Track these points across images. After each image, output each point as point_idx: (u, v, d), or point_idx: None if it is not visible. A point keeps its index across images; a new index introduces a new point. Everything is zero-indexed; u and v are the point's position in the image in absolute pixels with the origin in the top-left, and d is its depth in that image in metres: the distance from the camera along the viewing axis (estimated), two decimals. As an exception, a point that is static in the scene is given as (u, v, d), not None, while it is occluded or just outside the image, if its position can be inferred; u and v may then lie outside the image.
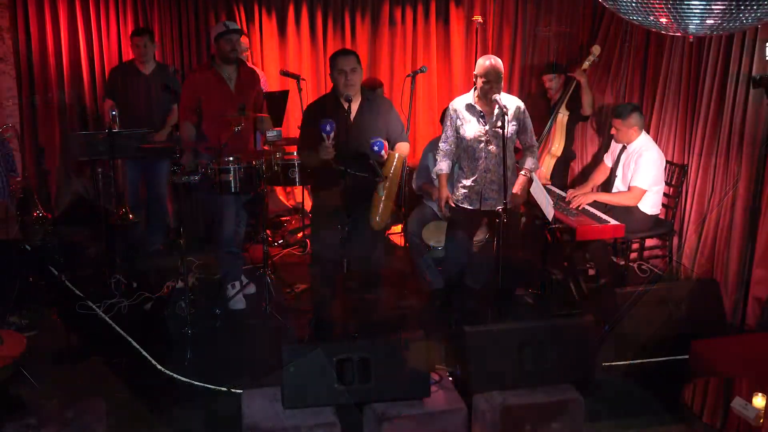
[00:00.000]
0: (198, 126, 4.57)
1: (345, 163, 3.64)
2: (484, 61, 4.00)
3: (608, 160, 5.00)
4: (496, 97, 3.92)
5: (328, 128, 3.64)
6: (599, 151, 5.99)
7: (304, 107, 4.13)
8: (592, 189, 4.99)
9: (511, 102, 4.10)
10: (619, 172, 4.82)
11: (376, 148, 3.65)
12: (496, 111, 4.02)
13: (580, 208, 4.59)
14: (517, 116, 4.11)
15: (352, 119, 3.73)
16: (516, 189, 4.08)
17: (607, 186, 4.96)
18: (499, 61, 4.00)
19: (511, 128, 4.07)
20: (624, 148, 4.78)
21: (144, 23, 5.69)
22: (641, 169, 4.61)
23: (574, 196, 4.75)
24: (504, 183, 3.87)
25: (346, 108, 3.67)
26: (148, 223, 5.53)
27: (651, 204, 4.69)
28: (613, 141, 4.93)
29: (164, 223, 5.69)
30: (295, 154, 4.29)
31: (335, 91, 3.84)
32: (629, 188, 4.68)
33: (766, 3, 2.23)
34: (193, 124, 4.54)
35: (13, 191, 4.70)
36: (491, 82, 3.96)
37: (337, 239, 3.78)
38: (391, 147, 3.92)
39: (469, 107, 4.10)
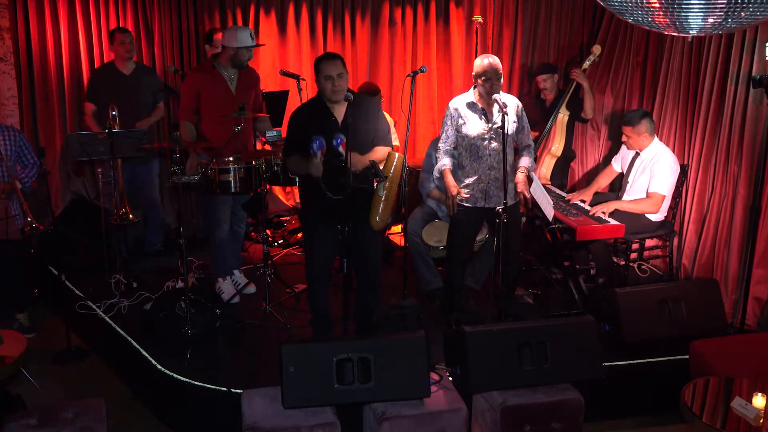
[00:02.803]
0: (197, 126, 4.58)
1: (342, 177, 3.56)
2: (483, 60, 4.00)
3: (617, 164, 4.93)
4: (496, 96, 3.93)
5: (315, 147, 3.52)
6: (600, 152, 5.99)
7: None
8: (598, 191, 4.96)
9: (510, 101, 4.11)
10: (631, 178, 4.75)
11: (335, 143, 3.53)
12: (496, 108, 4.03)
13: (605, 216, 4.54)
14: (517, 114, 4.13)
15: (339, 124, 3.70)
16: (519, 188, 4.08)
17: (613, 190, 4.92)
18: (497, 58, 4.01)
19: (512, 126, 4.07)
20: (637, 154, 4.72)
21: (144, 23, 5.69)
22: (659, 175, 4.55)
23: (585, 203, 4.74)
24: (504, 180, 3.88)
25: (333, 113, 3.63)
26: (145, 225, 5.52)
27: (661, 210, 4.67)
28: (623, 147, 4.87)
29: (161, 223, 5.68)
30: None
31: (321, 96, 3.76)
32: (648, 194, 4.59)
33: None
34: (194, 124, 4.55)
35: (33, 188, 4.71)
36: (491, 80, 3.96)
37: (333, 242, 3.77)
38: (371, 149, 3.82)
39: (471, 105, 4.11)
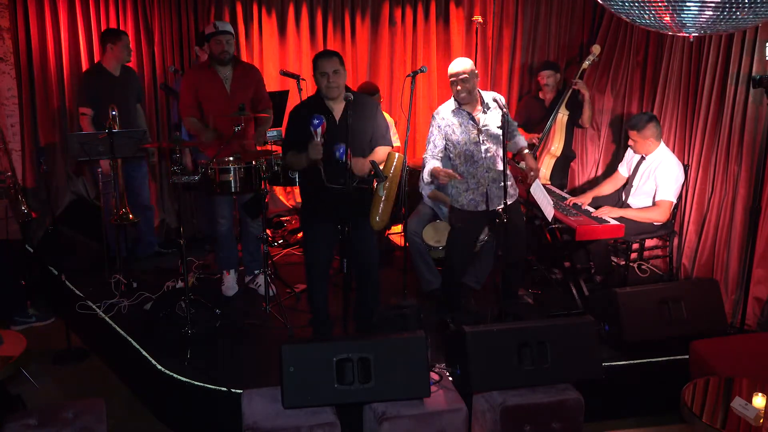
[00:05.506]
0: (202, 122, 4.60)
1: (341, 176, 3.56)
2: (462, 62, 3.97)
3: (623, 169, 4.91)
4: (486, 97, 3.93)
5: (315, 122, 3.55)
6: (600, 152, 5.99)
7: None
8: (597, 196, 4.96)
9: (489, 97, 4.09)
10: (635, 182, 4.73)
11: (337, 154, 3.54)
12: (478, 109, 4.03)
13: (604, 218, 4.53)
14: (502, 108, 4.03)
15: (337, 121, 3.70)
16: (531, 163, 4.07)
17: (620, 195, 4.93)
18: (466, 61, 4.00)
19: (498, 121, 4.02)
20: (642, 158, 4.70)
21: (144, 23, 5.69)
22: (664, 181, 4.52)
23: (583, 206, 4.74)
24: (503, 179, 3.86)
25: (331, 110, 3.62)
26: (137, 230, 5.47)
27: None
28: (629, 150, 4.85)
29: (152, 226, 5.64)
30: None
31: (319, 93, 3.79)
32: (656, 203, 4.57)
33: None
34: (197, 119, 4.57)
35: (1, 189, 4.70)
36: (455, 84, 3.95)
37: (331, 241, 3.77)
38: (372, 148, 3.84)
39: (456, 112, 4.08)
